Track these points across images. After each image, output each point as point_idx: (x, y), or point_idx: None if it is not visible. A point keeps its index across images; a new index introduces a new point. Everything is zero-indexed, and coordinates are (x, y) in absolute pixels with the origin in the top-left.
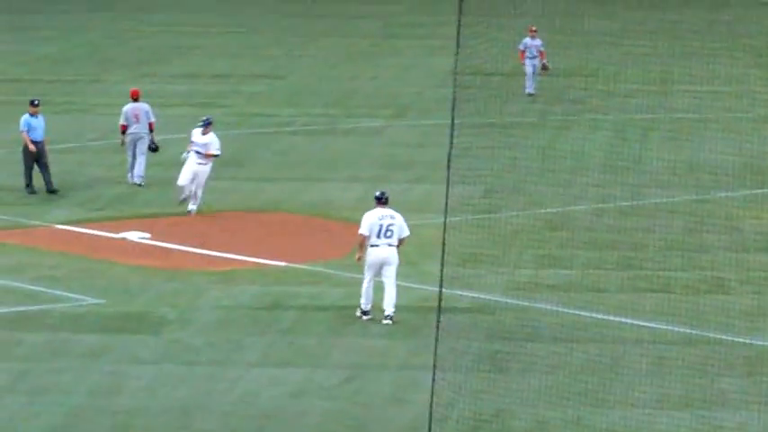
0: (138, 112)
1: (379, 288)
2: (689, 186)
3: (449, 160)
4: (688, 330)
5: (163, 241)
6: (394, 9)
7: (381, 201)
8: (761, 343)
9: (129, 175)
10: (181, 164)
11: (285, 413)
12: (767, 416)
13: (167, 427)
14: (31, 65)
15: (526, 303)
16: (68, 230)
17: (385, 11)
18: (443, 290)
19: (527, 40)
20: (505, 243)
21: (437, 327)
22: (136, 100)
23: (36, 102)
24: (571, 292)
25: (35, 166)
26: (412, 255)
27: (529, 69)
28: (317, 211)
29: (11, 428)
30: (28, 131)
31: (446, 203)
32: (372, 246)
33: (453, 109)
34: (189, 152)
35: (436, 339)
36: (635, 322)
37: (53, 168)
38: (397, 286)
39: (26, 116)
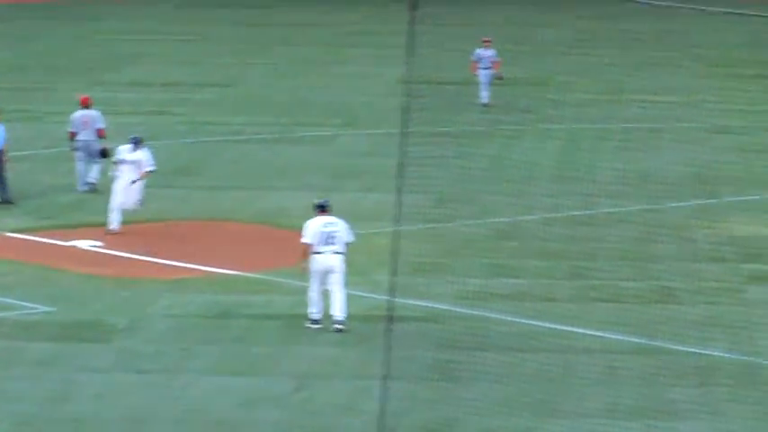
0: (87, 119)
1: (327, 296)
2: (640, 196)
3: (400, 169)
4: (639, 340)
5: (114, 249)
6: (346, 18)
7: (324, 209)
8: (712, 353)
9: (80, 183)
10: (110, 182)
11: (236, 422)
12: (717, 426)
13: None
14: None
15: (477, 312)
16: (19, 239)
17: (337, 20)
18: (394, 299)
19: (480, 50)
20: (456, 252)
21: (388, 336)
22: (86, 107)
23: None
24: (522, 301)
25: None
26: (363, 264)
27: (483, 79)
28: (268, 219)
29: None
30: None
31: (397, 212)
32: (317, 253)
33: (405, 118)
34: (117, 171)
35: (387, 348)
36: (586, 332)
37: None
38: (347, 294)
39: None
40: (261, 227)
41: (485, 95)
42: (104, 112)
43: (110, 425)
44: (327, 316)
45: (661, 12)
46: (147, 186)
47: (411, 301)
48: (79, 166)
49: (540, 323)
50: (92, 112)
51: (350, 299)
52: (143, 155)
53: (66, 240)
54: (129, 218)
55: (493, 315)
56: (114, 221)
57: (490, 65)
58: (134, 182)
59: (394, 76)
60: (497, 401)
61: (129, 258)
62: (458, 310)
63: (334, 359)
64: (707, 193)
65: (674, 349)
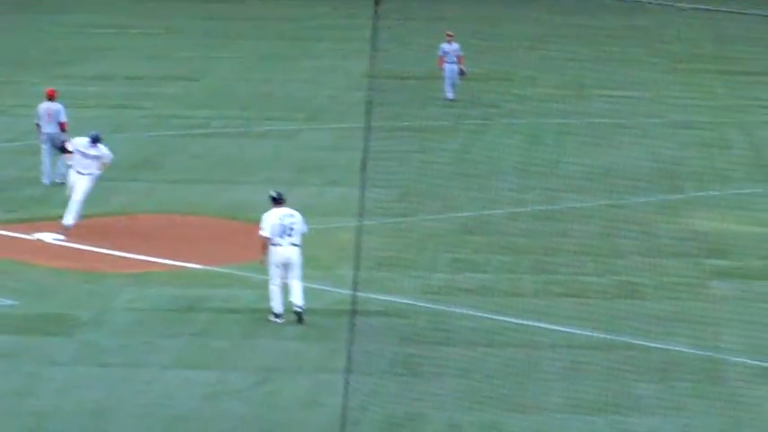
0: (50, 111)
1: (287, 289)
2: (604, 191)
3: (363, 164)
4: (602, 335)
5: (77, 243)
6: (310, 12)
7: (279, 201)
8: (675, 348)
9: (45, 176)
10: (66, 171)
11: (198, 415)
12: (680, 421)
13: (80, 429)
14: None
15: (441, 307)
16: None
17: (301, 14)
18: (358, 293)
19: (444, 45)
20: (420, 247)
21: (351, 330)
22: (51, 99)
23: None
24: (486, 296)
25: None
26: (326, 258)
27: (447, 74)
28: (231, 213)
29: None
30: None
31: (361, 207)
32: (275, 245)
33: (368, 112)
34: (71, 161)
35: (350, 342)
36: (549, 327)
37: None
38: (308, 287)
39: None
40: (225, 221)
41: (449, 90)
42: (69, 106)
43: (72, 418)
44: (290, 310)
45: (625, 7)
46: (110, 180)
47: (374, 296)
48: (45, 158)
49: (503, 318)
50: (55, 105)
51: (313, 293)
52: (100, 151)
53: (31, 233)
54: (92, 211)
55: (457, 310)
56: (70, 216)
57: (455, 59)
58: (85, 174)
59: (358, 71)
60: (461, 396)
61: (92, 252)
62: (421, 304)
63: (297, 353)
64: (670, 189)
65: (637, 344)
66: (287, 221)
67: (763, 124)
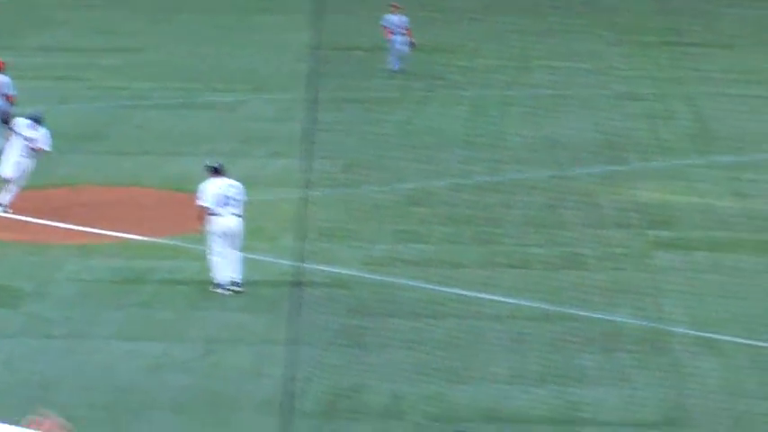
0: None
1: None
2: (547, 162)
3: (308, 135)
4: (546, 306)
5: (21, 214)
6: None
7: (219, 171)
8: (618, 319)
9: None
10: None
11: (143, 387)
12: (623, 392)
13: (25, 400)
14: None
15: (385, 278)
16: None
17: None
18: (302, 264)
19: (390, 16)
20: (365, 218)
21: (295, 301)
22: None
23: None
24: (430, 267)
25: None
26: (270, 229)
27: (396, 46)
28: (175, 185)
29: None
30: None
31: (305, 178)
32: (218, 216)
33: (313, 84)
34: (9, 141)
35: (294, 314)
36: (493, 298)
37: None
38: (252, 259)
39: None
40: (169, 192)
41: (395, 62)
42: (12, 77)
43: (17, 390)
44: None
45: None
46: (54, 151)
47: (319, 267)
48: None
49: (447, 289)
50: (3, 78)
51: (258, 265)
52: (40, 134)
53: None
54: (36, 183)
55: (401, 281)
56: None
57: (404, 32)
58: (24, 157)
59: (303, 42)
60: (405, 367)
61: (36, 224)
62: (366, 276)
63: (241, 324)
64: (614, 160)
65: (580, 315)
66: (230, 192)
67: (707, 96)
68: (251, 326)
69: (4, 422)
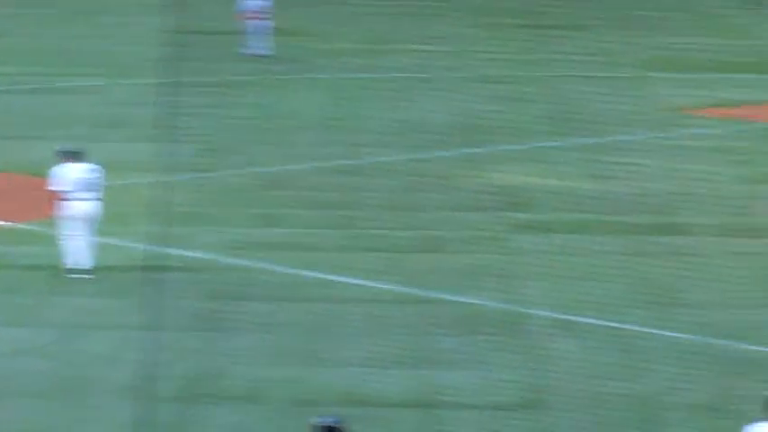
0: None
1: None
2: (406, 146)
3: (166, 119)
4: (405, 289)
5: None
6: None
7: (77, 155)
8: (476, 302)
9: None
10: None
11: (0, 372)
12: (483, 374)
13: None
14: None
15: (243, 262)
16: None
17: None
18: (159, 248)
19: (248, 1)
20: (223, 202)
21: (153, 285)
22: None
23: None
24: (288, 250)
25: None
26: (128, 214)
27: (253, 30)
28: (33, 169)
29: None
30: None
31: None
32: (73, 200)
33: (171, 68)
34: None
35: (152, 298)
36: (351, 281)
37: None
38: (109, 243)
39: None
40: (27, 177)
41: (254, 46)
42: None
43: None
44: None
45: None
46: None
47: (177, 251)
48: None
49: (307, 272)
50: None
51: (115, 249)
52: None
53: None
54: None
55: (259, 265)
56: None
57: (263, 15)
58: None
59: (161, 26)
60: (264, 351)
61: None
62: (224, 259)
63: (99, 309)
64: (472, 143)
65: (439, 298)
66: (88, 176)
67: (565, 78)
68: (109, 311)
69: None
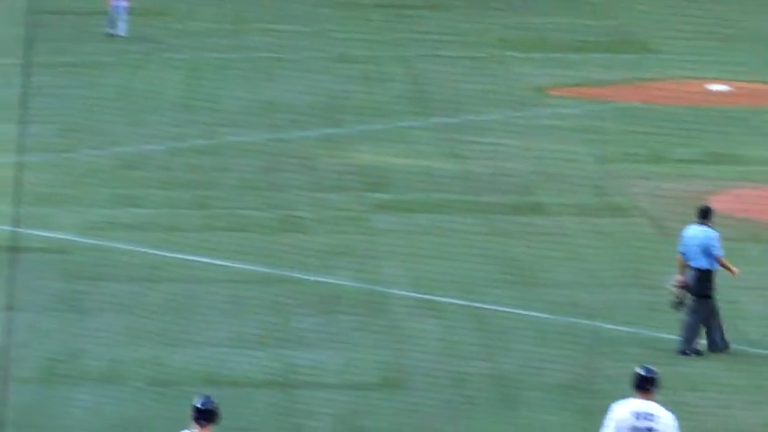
0: None
1: None
2: (265, 125)
3: (23, 100)
4: (265, 269)
5: None
6: None
7: None
8: (337, 281)
9: None
10: None
11: None
12: (344, 354)
13: None
14: None
15: (102, 243)
16: None
17: None
18: (18, 229)
19: None
20: (81, 182)
21: (11, 266)
22: None
23: None
24: (148, 231)
25: None
26: None
27: (119, 12)
28: None
29: None
30: None
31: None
32: None
33: (28, 48)
34: None
35: (10, 279)
36: (211, 261)
37: None
38: None
39: None
40: None
41: (119, 27)
42: None
43: None
44: None
45: None
46: None
47: (35, 232)
48: None
49: (165, 253)
50: None
51: None
52: None
53: None
54: None
55: (118, 245)
56: None
57: None
58: None
59: (18, 6)
60: (123, 332)
61: None
62: (83, 240)
63: None
64: (331, 123)
65: (299, 278)
66: None
67: (424, 58)
68: None
69: None
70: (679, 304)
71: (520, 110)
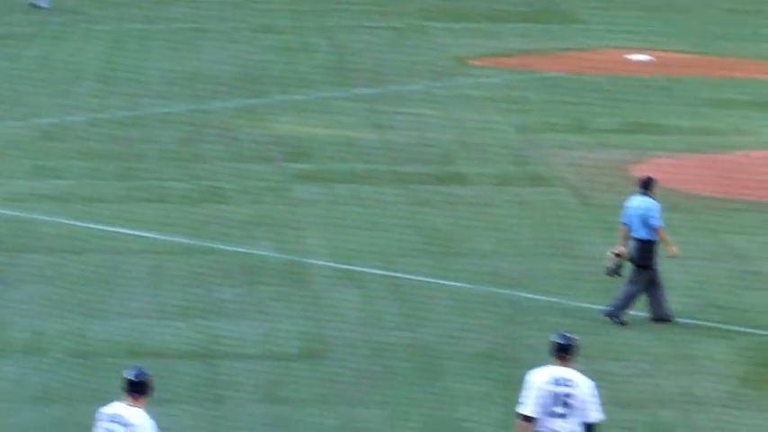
0: None
1: None
2: (187, 96)
3: None
4: (185, 240)
5: None
6: None
7: None
8: (258, 252)
9: None
10: None
11: None
12: (265, 324)
13: None
14: None
15: (22, 214)
16: None
17: None
18: None
19: None
20: (2, 154)
21: None
22: None
23: None
24: (69, 202)
25: None
26: None
27: None
28: None
29: None
30: None
31: None
32: None
33: None
34: None
35: None
36: (132, 232)
37: None
38: None
39: None
40: None
41: None
42: None
43: None
44: None
45: None
46: None
47: None
48: None
49: (86, 224)
50: None
51: None
52: None
53: None
54: None
55: (39, 217)
56: None
57: None
58: None
59: None
60: (45, 303)
61: None
62: (3, 211)
63: None
64: (253, 93)
65: (220, 249)
66: None
67: (346, 28)
68: None
69: None
70: (613, 271)
71: (441, 80)
